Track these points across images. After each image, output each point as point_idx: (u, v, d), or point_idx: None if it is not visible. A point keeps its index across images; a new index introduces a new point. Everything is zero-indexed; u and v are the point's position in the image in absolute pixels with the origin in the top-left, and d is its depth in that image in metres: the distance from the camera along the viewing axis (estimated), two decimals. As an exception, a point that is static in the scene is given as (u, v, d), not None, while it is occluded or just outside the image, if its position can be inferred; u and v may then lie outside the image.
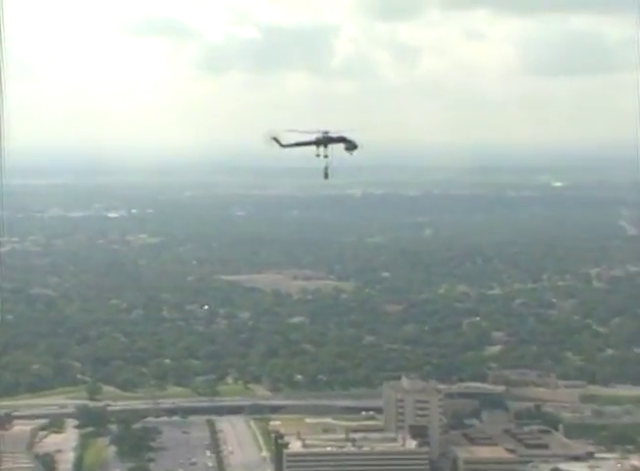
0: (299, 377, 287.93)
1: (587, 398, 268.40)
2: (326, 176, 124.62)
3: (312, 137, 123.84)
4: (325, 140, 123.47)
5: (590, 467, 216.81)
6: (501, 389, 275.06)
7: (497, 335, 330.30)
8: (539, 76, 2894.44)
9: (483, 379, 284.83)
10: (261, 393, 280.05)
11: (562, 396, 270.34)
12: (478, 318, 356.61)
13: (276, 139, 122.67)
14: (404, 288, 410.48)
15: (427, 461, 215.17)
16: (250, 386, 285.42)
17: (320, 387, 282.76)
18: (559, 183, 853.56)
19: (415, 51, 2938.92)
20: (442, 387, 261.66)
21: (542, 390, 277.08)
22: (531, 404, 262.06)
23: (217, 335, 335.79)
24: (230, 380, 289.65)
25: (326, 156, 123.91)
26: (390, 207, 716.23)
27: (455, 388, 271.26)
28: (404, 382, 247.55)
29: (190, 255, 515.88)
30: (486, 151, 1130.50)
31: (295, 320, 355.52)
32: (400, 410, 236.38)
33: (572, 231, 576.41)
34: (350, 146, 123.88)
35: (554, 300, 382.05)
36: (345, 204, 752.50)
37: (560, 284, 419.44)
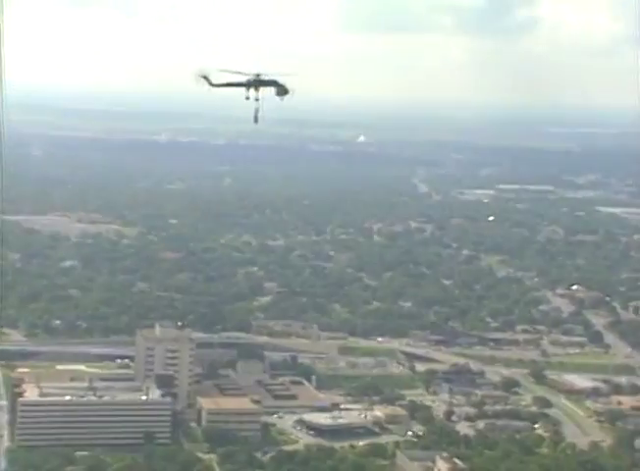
0: (58, 322, 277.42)
1: (345, 350, 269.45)
2: (256, 119, 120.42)
3: (243, 79, 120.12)
4: (256, 83, 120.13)
5: (333, 418, 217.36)
6: (263, 339, 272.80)
7: (269, 285, 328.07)
8: (354, 33, 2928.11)
9: (248, 329, 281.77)
10: (15, 339, 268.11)
11: (322, 348, 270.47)
12: (255, 268, 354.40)
13: (206, 78, 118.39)
14: (188, 237, 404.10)
15: (170, 412, 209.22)
16: (5, 330, 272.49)
17: (79, 333, 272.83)
18: (362, 139, 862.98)
19: (233, 4, 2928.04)
20: (202, 336, 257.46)
21: (303, 341, 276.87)
22: (288, 355, 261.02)
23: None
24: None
25: (257, 99, 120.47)
26: (194, 155, 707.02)
27: (216, 337, 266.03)
28: (157, 330, 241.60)
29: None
30: (296, 104, 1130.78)
31: (67, 264, 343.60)
32: (150, 359, 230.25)
33: (366, 186, 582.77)
34: (282, 91, 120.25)
35: (331, 253, 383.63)
36: (149, 150, 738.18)
37: (341, 237, 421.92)
